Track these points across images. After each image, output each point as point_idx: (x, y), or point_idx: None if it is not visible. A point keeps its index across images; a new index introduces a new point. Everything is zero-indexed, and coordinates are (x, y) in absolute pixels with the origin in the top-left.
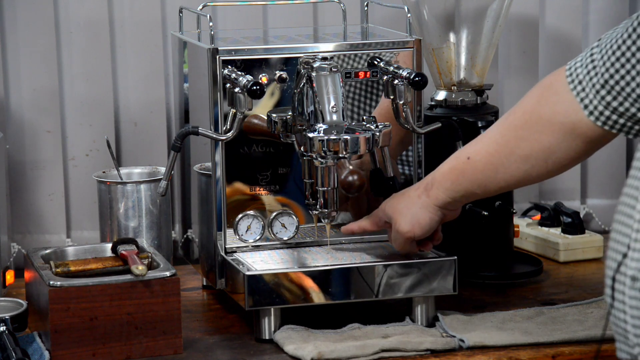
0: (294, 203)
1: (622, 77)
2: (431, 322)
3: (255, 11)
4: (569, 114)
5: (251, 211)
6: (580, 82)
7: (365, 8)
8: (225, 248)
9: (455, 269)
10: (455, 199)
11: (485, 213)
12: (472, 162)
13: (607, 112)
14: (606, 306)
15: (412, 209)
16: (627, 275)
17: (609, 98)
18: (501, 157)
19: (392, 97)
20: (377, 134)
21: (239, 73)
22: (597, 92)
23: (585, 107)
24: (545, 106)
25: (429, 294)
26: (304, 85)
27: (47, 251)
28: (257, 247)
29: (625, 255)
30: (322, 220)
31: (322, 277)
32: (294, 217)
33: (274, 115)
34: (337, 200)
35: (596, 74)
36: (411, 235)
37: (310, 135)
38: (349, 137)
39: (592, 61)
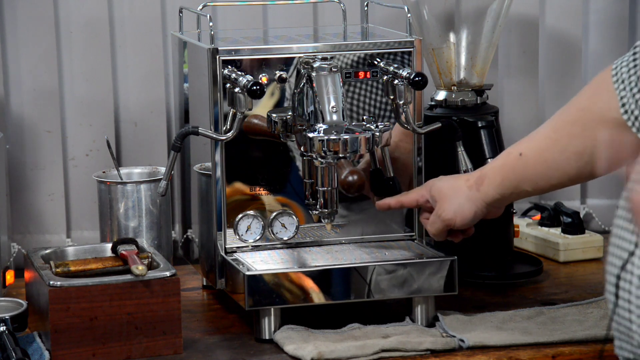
0: (294, 203)
1: None
2: (431, 322)
3: (255, 11)
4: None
5: (251, 211)
6: (622, 81)
7: (365, 8)
8: (225, 248)
9: (455, 269)
10: (504, 195)
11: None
12: (524, 159)
13: (636, 112)
14: (606, 306)
15: (460, 199)
16: (634, 274)
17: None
18: (554, 154)
19: (392, 97)
20: (377, 134)
21: (239, 73)
22: (631, 90)
23: (623, 105)
24: (597, 102)
25: (429, 294)
26: (304, 85)
27: (47, 251)
28: (257, 247)
29: (632, 254)
30: (322, 220)
31: (322, 277)
32: (294, 217)
33: (274, 115)
34: (337, 200)
35: (635, 73)
36: (452, 223)
37: (310, 135)
38: (348, 137)
39: (635, 60)
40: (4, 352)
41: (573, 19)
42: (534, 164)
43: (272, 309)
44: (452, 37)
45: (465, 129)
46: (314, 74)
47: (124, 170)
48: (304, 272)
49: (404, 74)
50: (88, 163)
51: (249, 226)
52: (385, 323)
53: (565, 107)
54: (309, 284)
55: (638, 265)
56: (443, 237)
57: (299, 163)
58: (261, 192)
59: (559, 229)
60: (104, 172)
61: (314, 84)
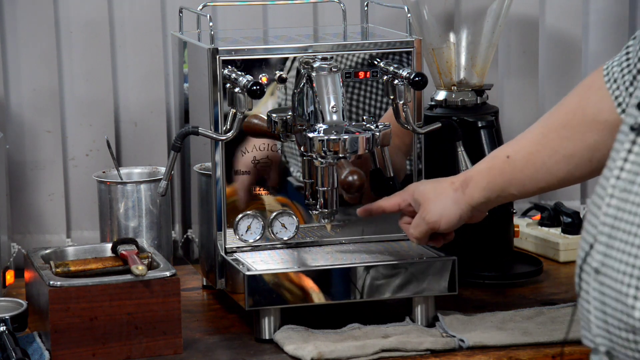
0: (294, 203)
1: None
2: (431, 322)
3: (255, 11)
4: (613, 111)
5: (251, 211)
6: (615, 81)
7: (365, 8)
8: (225, 248)
9: (454, 269)
10: (490, 199)
11: (485, 213)
12: (511, 162)
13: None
14: None
15: (445, 201)
16: (592, 266)
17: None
18: (543, 157)
19: (392, 97)
20: (377, 134)
21: (239, 73)
22: (627, 89)
23: (619, 105)
24: (588, 105)
25: (429, 293)
26: (304, 85)
27: (47, 251)
28: (257, 247)
29: (592, 246)
30: (322, 220)
31: (322, 277)
32: (294, 217)
33: (274, 115)
34: (337, 200)
35: (629, 72)
36: (436, 226)
37: (310, 135)
38: (348, 137)
39: (628, 59)
40: (4, 352)
41: (573, 19)
42: (522, 167)
43: (272, 309)
44: (452, 37)
45: (465, 129)
46: (314, 74)
47: (124, 170)
48: (304, 272)
49: (404, 74)
50: (88, 163)
51: (249, 226)
52: (385, 323)
53: (553, 109)
54: (309, 284)
55: (595, 259)
56: (425, 240)
57: (299, 163)
58: (261, 192)
59: (559, 229)
60: (104, 172)
61: (314, 84)
